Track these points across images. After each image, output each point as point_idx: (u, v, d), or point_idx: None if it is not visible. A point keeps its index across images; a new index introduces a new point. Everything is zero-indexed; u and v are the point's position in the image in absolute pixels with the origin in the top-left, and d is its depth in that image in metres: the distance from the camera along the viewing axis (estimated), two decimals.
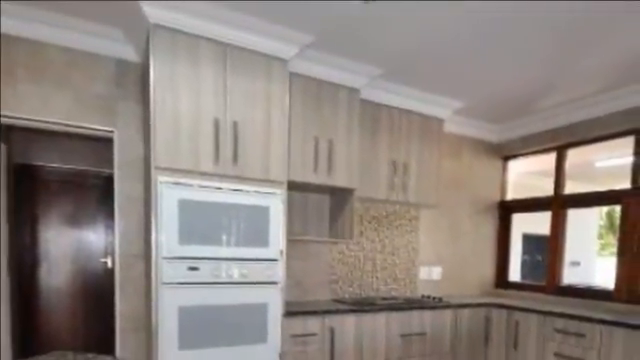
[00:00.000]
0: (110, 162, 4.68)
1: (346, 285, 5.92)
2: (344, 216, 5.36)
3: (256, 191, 4.32)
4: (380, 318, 5.19)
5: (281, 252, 4.49)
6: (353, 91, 5.10)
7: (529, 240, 10.14)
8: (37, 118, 4.26)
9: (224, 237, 4.19)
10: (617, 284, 5.59)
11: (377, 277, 6.17)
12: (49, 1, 3.97)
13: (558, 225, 6.43)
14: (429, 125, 5.87)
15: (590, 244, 12.94)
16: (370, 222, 6.08)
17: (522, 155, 7.06)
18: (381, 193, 5.57)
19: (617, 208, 5.83)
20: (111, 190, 4.72)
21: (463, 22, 4.04)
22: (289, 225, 5.05)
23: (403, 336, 5.36)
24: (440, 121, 5.98)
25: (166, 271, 3.95)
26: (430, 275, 6.66)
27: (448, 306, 5.74)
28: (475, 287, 7.20)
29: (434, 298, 6.03)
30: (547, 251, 6.61)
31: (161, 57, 3.87)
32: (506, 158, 7.30)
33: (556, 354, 5.21)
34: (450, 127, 6.49)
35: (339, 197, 5.46)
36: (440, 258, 6.78)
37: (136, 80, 4.66)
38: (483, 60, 4.76)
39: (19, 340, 6.20)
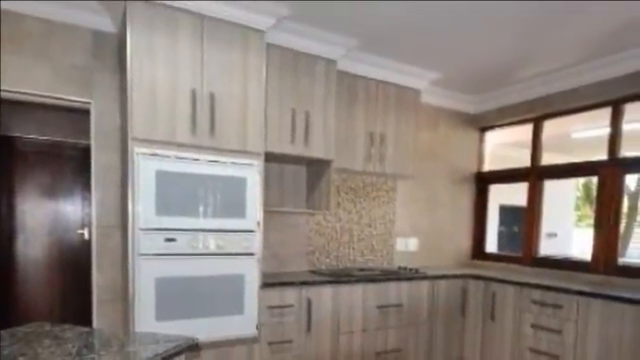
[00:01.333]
0: (87, 133, 4.66)
1: (323, 256, 5.95)
2: (321, 187, 5.39)
3: (233, 162, 4.32)
4: (357, 289, 5.23)
5: (258, 223, 4.50)
6: (330, 62, 5.10)
7: (506, 211, 10.17)
8: (15, 89, 4.25)
9: (201, 208, 4.19)
10: (594, 255, 5.64)
11: (354, 248, 6.20)
12: None
13: (535, 196, 6.47)
14: (406, 96, 5.89)
15: (567, 215, 13.05)
16: (347, 193, 6.10)
17: (499, 126, 7.10)
18: (358, 164, 5.59)
19: (594, 179, 5.86)
20: (88, 161, 4.71)
21: None
22: (266, 196, 5.07)
23: (380, 307, 5.40)
24: (417, 92, 5.99)
25: (143, 242, 3.95)
26: (407, 246, 6.69)
27: (425, 277, 5.78)
28: (452, 258, 7.25)
29: (411, 269, 6.06)
30: (524, 222, 6.65)
31: (138, 29, 3.86)
32: (483, 129, 7.34)
33: (533, 325, 5.25)
34: (427, 98, 6.48)
35: (316, 168, 5.48)
36: (417, 229, 6.81)
37: (113, 51, 4.64)
38: (459, 31, 4.77)
39: None
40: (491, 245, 7.72)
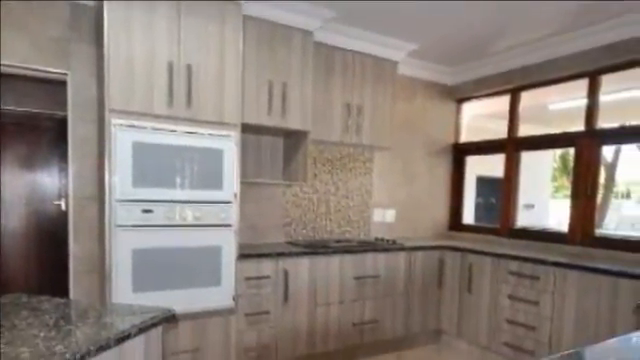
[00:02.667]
0: (64, 105, 4.65)
1: (300, 228, 5.98)
2: (298, 159, 5.41)
3: (210, 134, 4.34)
4: (334, 261, 5.26)
5: (235, 195, 4.52)
6: (307, 34, 5.13)
7: (483, 183, 10.11)
8: None
9: (178, 180, 4.22)
10: (571, 226, 5.69)
11: (331, 219, 6.23)
12: None
13: (512, 168, 6.51)
14: (383, 68, 5.91)
15: (544, 186, 13.06)
16: (324, 165, 6.13)
17: (476, 98, 7.13)
18: (335, 135, 5.61)
19: (571, 151, 5.88)
20: (65, 133, 4.71)
21: None
22: (243, 168, 5.12)
23: (357, 278, 5.44)
24: (394, 64, 6.01)
25: (120, 214, 3.97)
26: (384, 218, 6.73)
27: (402, 249, 5.82)
28: (429, 230, 7.28)
29: (388, 241, 6.11)
30: (501, 193, 6.70)
31: (115, 2, 3.86)
32: (460, 101, 7.37)
33: (510, 297, 5.29)
34: (404, 70, 6.49)
35: (293, 140, 5.51)
36: (394, 200, 6.84)
37: (90, 24, 4.63)
38: (437, 2, 4.76)
39: None
40: (468, 216, 7.81)
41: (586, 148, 5.56)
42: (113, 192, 3.94)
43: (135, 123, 3.99)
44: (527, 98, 6.43)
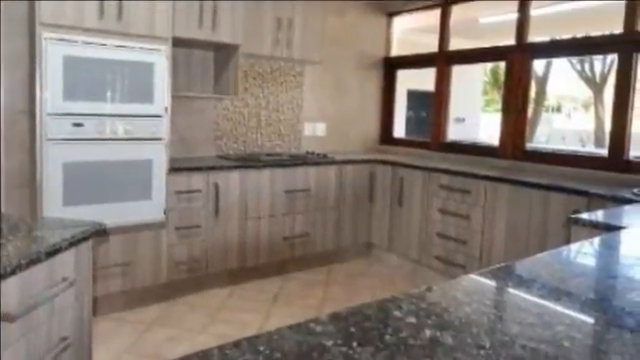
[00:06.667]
0: None
1: (230, 141, 5.97)
2: (228, 72, 5.40)
3: (140, 47, 4.32)
4: (264, 174, 5.31)
5: (165, 108, 4.53)
6: None
7: (414, 96, 10.14)
8: None
9: (109, 94, 4.20)
10: (502, 140, 5.77)
11: (261, 133, 6.23)
12: None
13: (443, 81, 6.52)
14: None
15: (475, 100, 13.15)
16: (255, 78, 6.10)
17: (407, 11, 7.10)
18: (266, 49, 5.59)
19: (502, 64, 5.93)
20: None
21: None
22: (174, 81, 5.01)
23: (287, 192, 5.50)
24: None
25: (50, 127, 3.97)
26: (314, 131, 6.75)
27: (332, 162, 5.89)
28: (360, 143, 7.31)
29: (318, 154, 6.14)
30: (432, 107, 6.73)
31: None
32: (391, 14, 7.32)
33: (441, 210, 5.38)
34: None
35: (223, 53, 5.48)
36: (325, 114, 6.85)
37: None
38: None
39: None
40: (399, 130, 7.88)
41: (517, 62, 5.61)
42: (44, 106, 3.93)
43: (66, 37, 3.96)
44: (458, 12, 6.44)
